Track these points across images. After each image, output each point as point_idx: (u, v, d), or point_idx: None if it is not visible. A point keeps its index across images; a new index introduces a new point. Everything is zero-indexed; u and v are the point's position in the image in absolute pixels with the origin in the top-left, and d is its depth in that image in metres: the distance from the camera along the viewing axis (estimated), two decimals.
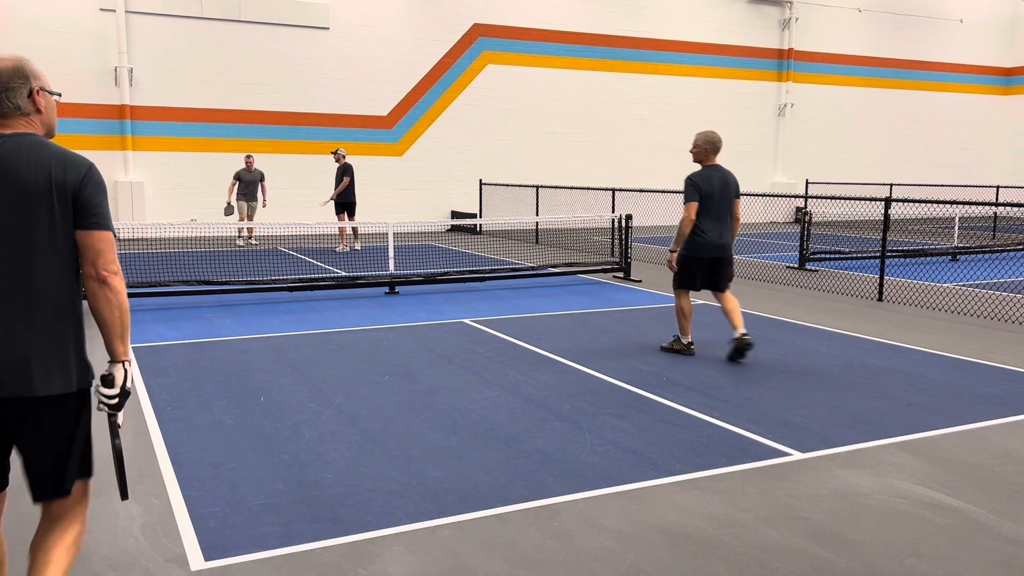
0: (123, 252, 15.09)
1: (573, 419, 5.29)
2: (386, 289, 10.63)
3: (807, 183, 24.71)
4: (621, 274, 12.20)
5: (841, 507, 3.99)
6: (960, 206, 14.67)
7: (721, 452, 4.71)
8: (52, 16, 16.97)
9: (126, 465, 2.63)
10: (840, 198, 11.86)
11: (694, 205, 6.83)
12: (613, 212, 14.13)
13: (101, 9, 17.28)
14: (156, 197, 18.01)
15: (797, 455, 4.69)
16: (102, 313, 2.50)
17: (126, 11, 17.43)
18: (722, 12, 23.95)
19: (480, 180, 20.70)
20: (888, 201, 10.35)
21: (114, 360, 2.56)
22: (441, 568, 3.36)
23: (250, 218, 16.62)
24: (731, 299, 7.05)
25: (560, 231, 19.75)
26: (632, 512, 3.90)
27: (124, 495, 2.63)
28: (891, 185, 22.56)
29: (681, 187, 22.39)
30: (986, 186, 22.81)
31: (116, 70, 17.47)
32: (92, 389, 2.60)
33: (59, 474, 2.55)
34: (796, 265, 13.43)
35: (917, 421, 5.33)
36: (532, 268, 11.90)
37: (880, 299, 10.27)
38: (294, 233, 18.73)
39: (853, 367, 6.77)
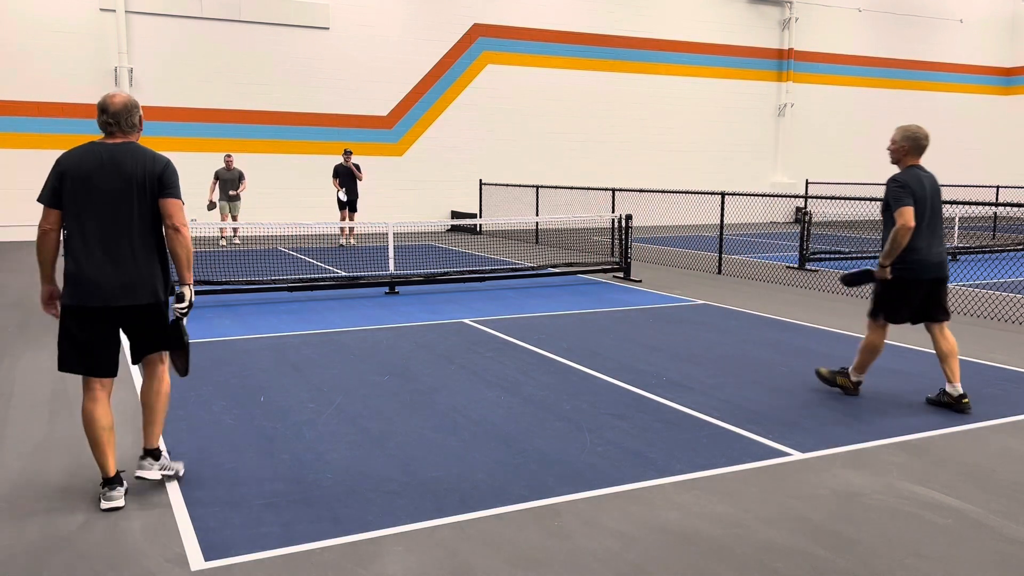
0: None
1: (573, 419, 5.29)
2: (386, 289, 10.63)
3: (807, 183, 24.70)
4: (621, 274, 12.20)
5: (841, 507, 3.99)
6: (960, 206, 14.68)
7: (721, 452, 4.71)
8: (52, 16, 16.98)
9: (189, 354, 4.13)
10: (840, 198, 11.86)
11: (910, 209, 5.36)
12: (613, 212, 14.13)
13: (101, 9, 17.28)
14: None
15: (797, 455, 4.69)
16: (174, 251, 3.98)
17: (126, 11, 17.43)
18: (722, 12, 23.95)
19: (480, 180, 20.70)
20: None
21: (182, 283, 4.02)
22: (441, 568, 3.35)
23: (235, 217, 16.61)
24: (949, 338, 5.67)
25: (560, 231, 19.76)
26: (632, 512, 3.90)
27: (185, 373, 4.13)
28: None
29: (682, 187, 22.40)
30: (986, 186, 22.81)
31: (116, 70, 17.48)
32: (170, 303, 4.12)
33: (157, 341, 4.13)
34: (796, 265, 13.43)
35: (917, 421, 5.33)
36: (532, 268, 11.89)
37: None
38: (294, 233, 18.72)
39: None
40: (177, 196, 4.00)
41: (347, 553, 3.47)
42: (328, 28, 19.27)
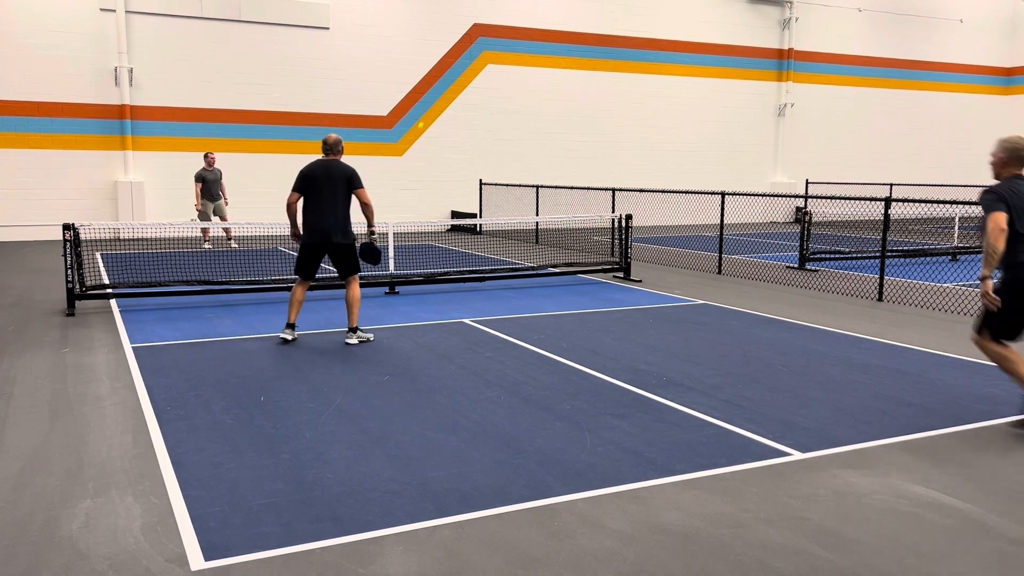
0: (123, 252, 15.09)
1: (573, 419, 5.29)
2: (386, 289, 10.63)
3: (807, 183, 24.70)
4: (621, 274, 12.20)
5: (841, 507, 3.99)
6: (960, 206, 14.67)
7: (721, 452, 4.71)
8: (52, 16, 16.97)
9: None
10: (840, 198, 11.86)
11: (1001, 215, 5.14)
12: (613, 212, 14.13)
13: (101, 9, 17.28)
14: (156, 197, 18.01)
15: (797, 455, 4.69)
16: (367, 215, 7.55)
17: (126, 11, 17.43)
18: (722, 12, 23.95)
19: (480, 180, 20.70)
20: (888, 201, 10.35)
21: (373, 232, 7.66)
22: (441, 568, 3.36)
23: (223, 218, 16.23)
24: None
25: (560, 231, 19.76)
26: (632, 512, 3.90)
27: (377, 262, 7.77)
28: (891, 185, 22.55)
29: (682, 187, 22.40)
30: (986, 186, 22.75)
31: (116, 70, 17.47)
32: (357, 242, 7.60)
33: (349, 267, 7.55)
34: (796, 265, 13.43)
35: (917, 421, 5.33)
36: (532, 268, 11.89)
37: (880, 299, 10.27)
38: None
39: (853, 367, 6.77)
40: (362, 186, 7.50)
41: (347, 553, 3.47)
42: (328, 28, 19.26)
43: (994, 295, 5.12)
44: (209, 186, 15.98)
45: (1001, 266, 5.23)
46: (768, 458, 4.63)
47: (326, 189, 7.33)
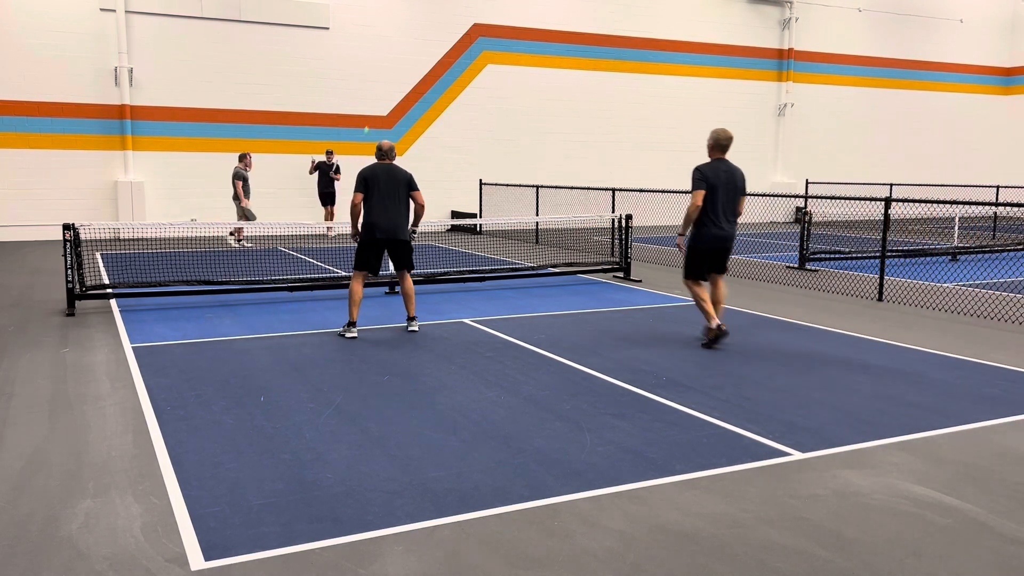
0: (123, 252, 15.09)
1: (573, 419, 5.29)
2: (386, 289, 10.63)
3: (807, 183, 24.70)
4: (621, 274, 12.20)
5: (841, 507, 3.99)
6: (960, 206, 14.67)
7: (721, 452, 4.71)
8: (52, 16, 16.97)
9: None
10: (840, 198, 11.86)
11: (701, 193, 7.37)
12: (613, 212, 14.13)
13: (101, 9, 17.27)
14: (156, 197, 18.00)
15: (797, 455, 4.69)
16: (419, 213, 8.21)
17: (126, 11, 17.42)
18: (722, 12, 23.95)
19: (480, 180, 20.70)
20: (888, 201, 10.35)
21: (415, 230, 8.23)
22: (441, 568, 3.35)
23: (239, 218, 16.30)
24: (723, 288, 7.79)
25: (560, 231, 19.75)
26: (632, 512, 3.90)
27: (412, 268, 8.27)
28: (891, 185, 22.55)
29: (682, 187, 22.41)
30: (986, 186, 22.80)
31: (116, 70, 17.47)
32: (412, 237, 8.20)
33: (406, 263, 8.17)
34: (796, 265, 13.43)
35: (917, 421, 5.33)
36: (532, 268, 11.89)
37: (880, 299, 10.27)
38: (294, 233, 18.72)
39: (853, 367, 6.77)
40: (418, 189, 8.07)
41: (347, 553, 3.47)
42: (328, 28, 19.26)
43: (685, 246, 7.51)
44: (245, 185, 16.15)
45: (694, 226, 7.47)
46: (768, 458, 4.63)
47: (391, 191, 7.90)
